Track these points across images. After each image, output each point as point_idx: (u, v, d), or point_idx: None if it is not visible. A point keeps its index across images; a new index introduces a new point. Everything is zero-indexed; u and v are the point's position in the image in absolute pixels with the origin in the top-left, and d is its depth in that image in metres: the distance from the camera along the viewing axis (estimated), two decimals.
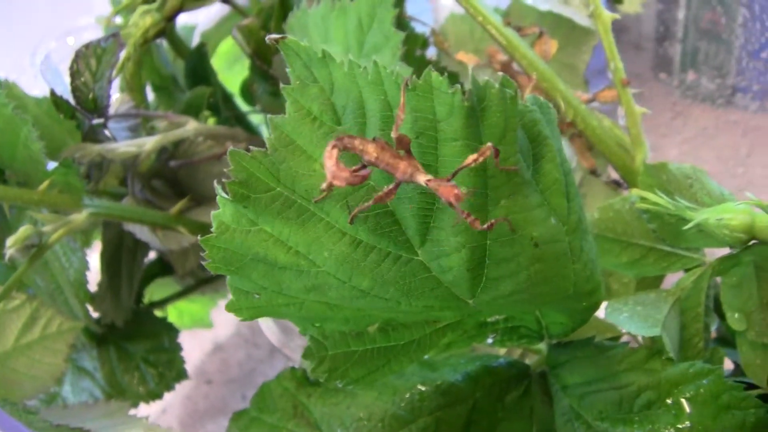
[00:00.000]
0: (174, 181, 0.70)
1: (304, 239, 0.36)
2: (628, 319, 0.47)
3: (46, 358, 0.65)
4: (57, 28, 1.02)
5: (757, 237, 0.47)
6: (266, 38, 0.33)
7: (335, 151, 0.31)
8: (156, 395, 0.74)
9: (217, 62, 0.88)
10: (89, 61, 0.61)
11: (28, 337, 0.65)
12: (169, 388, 0.74)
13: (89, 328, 0.73)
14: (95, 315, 0.73)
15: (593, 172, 0.63)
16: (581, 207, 0.39)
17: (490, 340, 0.49)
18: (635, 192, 0.50)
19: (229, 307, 0.40)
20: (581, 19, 0.62)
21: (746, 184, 1.15)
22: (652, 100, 1.29)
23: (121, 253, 0.72)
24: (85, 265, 0.67)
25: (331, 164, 0.31)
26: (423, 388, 0.49)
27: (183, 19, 0.77)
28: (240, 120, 0.78)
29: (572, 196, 0.36)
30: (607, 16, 0.57)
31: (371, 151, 0.32)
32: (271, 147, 0.34)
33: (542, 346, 0.51)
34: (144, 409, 0.75)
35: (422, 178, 0.31)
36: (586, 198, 0.60)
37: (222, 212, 0.36)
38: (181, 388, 1.01)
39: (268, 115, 0.34)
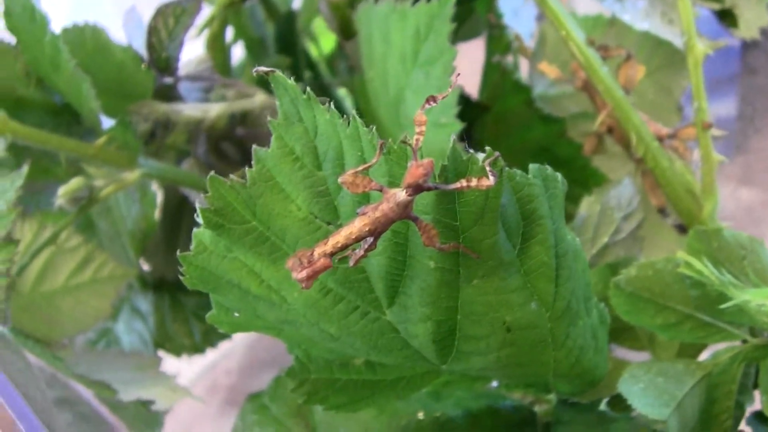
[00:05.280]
0: (242, 145, 0.69)
1: (275, 275, 0.34)
2: (641, 392, 0.43)
3: (93, 301, 0.67)
4: None
5: None
6: (253, 71, 0.32)
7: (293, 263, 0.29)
8: (199, 350, 0.75)
9: (320, 23, 0.86)
10: (167, 20, 0.61)
11: (79, 278, 0.67)
12: (213, 345, 0.75)
13: (143, 276, 0.74)
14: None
15: (661, 211, 0.58)
16: (580, 289, 0.35)
17: (494, 383, 0.47)
18: (680, 255, 0.46)
19: (211, 319, 0.39)
20: (682, 43, 0.57)
21: None
22: None
23: (184, 207, 0.73)
24: (143, 217, 0.68)
25: (294, 274, 0.29)
26: (422, 417, 0.48)
27: None
28: (324, 90, 0.76)
29: (563, 281, 0.33)
30: (700, 50, 0.52)
31: (357, 228, 0.29)
32: (251, 179, 0.33)
33: (552, 396, 0.48)
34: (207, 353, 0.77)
35: (401, 194, 0.29)
36: (645, 240, 0.56)
37: (202, 232, 0.35)
38: (246, 336, 1.03)
39: (254, 146, 0.33)
